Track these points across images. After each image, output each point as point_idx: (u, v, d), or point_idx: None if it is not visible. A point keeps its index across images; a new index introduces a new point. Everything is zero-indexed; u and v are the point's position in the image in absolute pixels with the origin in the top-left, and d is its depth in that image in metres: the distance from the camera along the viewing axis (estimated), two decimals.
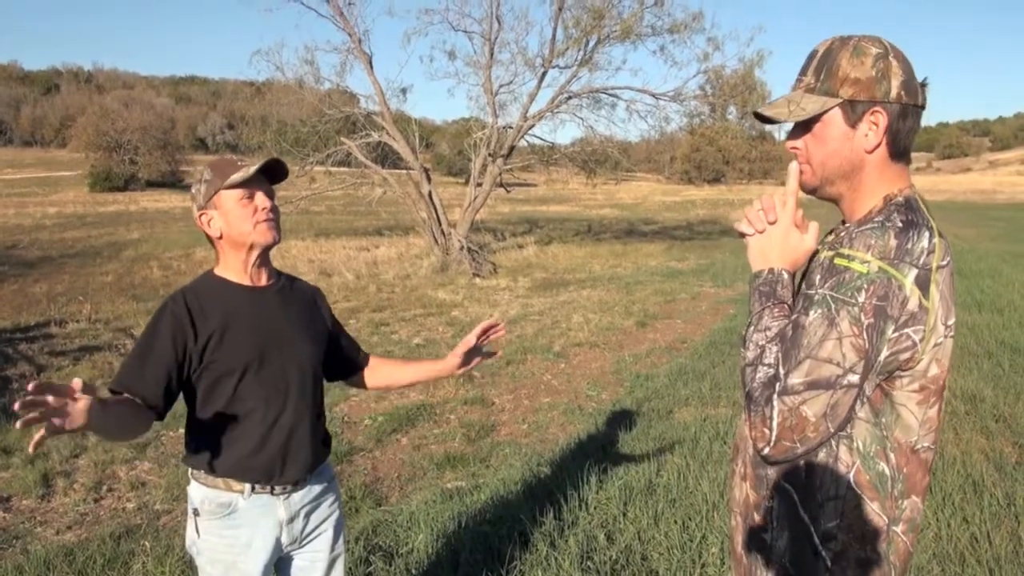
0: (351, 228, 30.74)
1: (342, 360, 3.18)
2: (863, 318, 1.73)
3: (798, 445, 1.77)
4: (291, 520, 2.88)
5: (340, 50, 22.49)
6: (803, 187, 2.04)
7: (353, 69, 25.26)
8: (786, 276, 1.99)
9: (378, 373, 3.31)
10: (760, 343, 1.87)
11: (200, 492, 2.82)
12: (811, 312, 1.77)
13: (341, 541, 3.10)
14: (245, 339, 2.76)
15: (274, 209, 2.81)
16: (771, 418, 1.76)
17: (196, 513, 2.83)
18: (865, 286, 1.74)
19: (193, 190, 2.81)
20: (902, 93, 1.87)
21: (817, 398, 1.75)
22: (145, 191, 60.85)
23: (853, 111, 1.90)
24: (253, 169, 2.71)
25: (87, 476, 6.60)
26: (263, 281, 2.88)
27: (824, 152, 1.95)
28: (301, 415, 2.87)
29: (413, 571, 4.71)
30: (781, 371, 1.77)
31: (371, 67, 22.06)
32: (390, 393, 9.07)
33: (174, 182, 67.11)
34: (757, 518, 2.04)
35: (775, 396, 1.76)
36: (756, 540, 2.06)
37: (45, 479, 6.50)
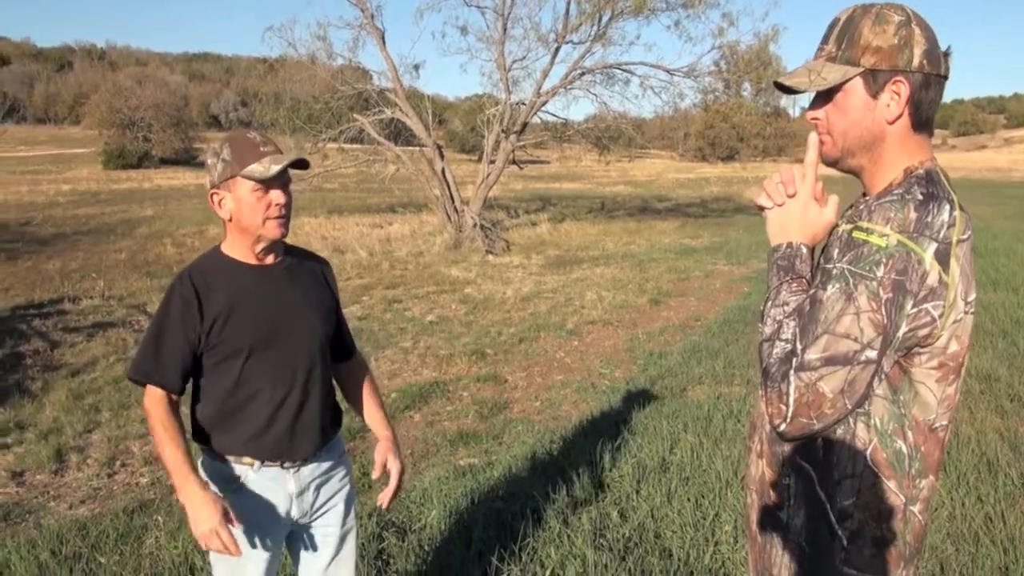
0: (364, 205, 30.78)
1: (337, 342, 3.10)
2: (881, 293, 1.70)
3: (815, 422, 1.75)
4: (301, 493, 2.88)
5: (352, 26, 22.41)
6: (824, 159, 2.01)
7: (366, 45, 25.18)
8: (804, 250, 1.96)
9: (364, 394, 3.20)
10: (777, 318, 1.85)
11: (209, 466, 2.84)
12: (829, 287, 1.74)
13: (352, 515, 3.10)
14: (251, 320, 2.76)
15: (288, 204, 2.76)
16: (788, 394, 1.73)
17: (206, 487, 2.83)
18: (884, 260, 1.71)
19: (208, 162, 2.76)
20: (924, 62, 1.83)
21: (834, 374, 1.72)
22: (159, 168, 60.81)
23: (875, 80, 1.86)
24: (275, 169, 2.65)
25: (100, 451, 6.62)
26: (270, 260, 2.85)
27: (845, 122, 1.91)
28: (309, 393, 2.86)
29: (426, 547, 4.71)
30: (798, 346, 1.74)
31: (384, 43, 21.99)
32: (403, 371, 9.09)
33: (188, 159, 67.00)
34: (773, 496, 2.02)
35: (792, 372, 1.73)
36: (772, 518, 2.04)
37: (59, 454, 6.53)
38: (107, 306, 12.65)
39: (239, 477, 2.80)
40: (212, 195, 2.77)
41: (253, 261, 2.82)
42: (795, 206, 1.98)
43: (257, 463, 2.80)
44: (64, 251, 18.73)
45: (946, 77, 1.89)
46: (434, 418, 7.57)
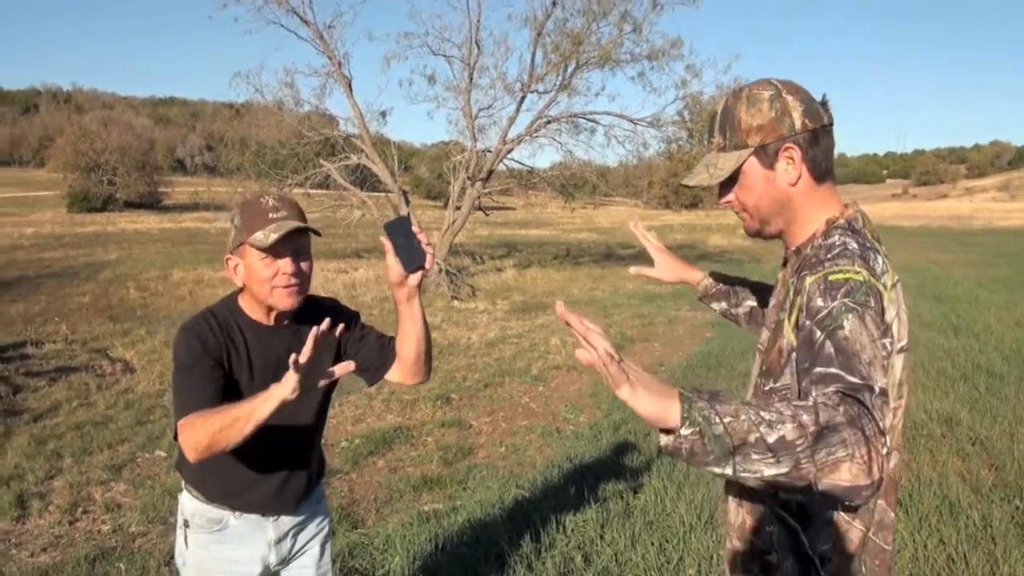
0: (329, 250, 30.72)
1: (366, 369, 2.93)
2: (878, 321, 1.77)
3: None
4: (279, 541, 2.90)
5: (320, 73, 22.44)
6: (747, 232, 2.15)
7: (333, 92, 25.26)
8: (698, 403, 1.57)
9: (401, 355, 2.89)
10: (786, 411, 1.56)
11: (192, 504, 2.84)
12: (844, 321, 1.73)
13: (327, 558, 3.12)
14: (247, 376, 2.71)
15: (297, 274, 2.66)
16: (884, 432, 1.58)
17: (186, 524, 2.85)
18: (869, 292, 1.79)
19: (227, 227, 2.73)
20: (806, 121, 1.96)
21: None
22: (123, 212, 60.39)
23: (766, 154, 1.99)
24: (273, 238, 2.55)
25: (62, 498, 6.55)
26: (283, 321, 2.79)
27: (754, 198, 2.06)
28: (296, 452, 2.87)
29: None
30: (855, 380, 1.64)
31: (351, 90, 22.07)
32: (367, 416, 9.05)
33: (152, 203, 66.67)
34: (758, 543, 2.09)
35: (875, 407, 1.60)
36: (760, 563, 2.10)
37: (20, 501, 6.45)
38: (70, 350, 12.53)
39: (220, 519, 2.82)
40: (227, 261, 2.72)
41: (265, 320, 2.76)
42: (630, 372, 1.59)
43: (238, 512, 2.81)
44: (27, 294, 18.56)
45: (831, 124, 2.01)
46: (398, 464, 7.54)
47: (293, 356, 2.23)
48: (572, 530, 5.53)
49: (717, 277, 2.99)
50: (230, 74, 24.67)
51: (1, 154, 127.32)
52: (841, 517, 1.94)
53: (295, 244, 2.63)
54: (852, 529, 1.95)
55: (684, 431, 1.52)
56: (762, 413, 1.54)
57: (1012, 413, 8.36)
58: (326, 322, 2.32)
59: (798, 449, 1.51)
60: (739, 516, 2.14)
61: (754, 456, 1.52)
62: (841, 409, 1.55)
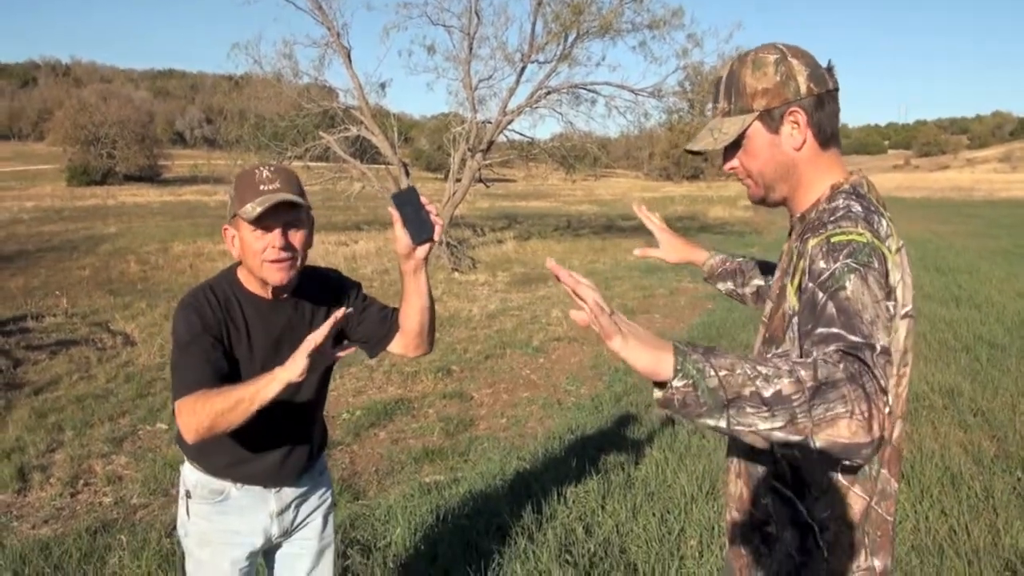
0: (329, 223, 30.67)
1: (367, 341, 2.95)
2: (882, 281, 1.75)
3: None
4: (281, 512, 2.89)
5: (319, 44, 22.31)
6: (751, 199, 2.13)
7: (332, 63, 25.20)
8: (691, 355, 1.53)
9: (404, 327, 2.95)
10: (784, 366, 1.52)
11: (194, 476, 2.83)
12: (846, 282, 1.71)
13: (330, 529, 3.10)
14: (247, 351, 2.68)
15: (287, 248, 2.58)
16: (886, 389, 1.54)
17: (188, 495, 2.85)
18: (872, 253, 1.76)
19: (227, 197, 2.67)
20: (811, 85, 1.94)
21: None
22: (123, 185, 60.30)
23: (772, 119, 1.97)
24: (258, 211, 2.47)
25: (63, 470, 6.55)
26: (282, 295, 2.74)
27: (759, 163, 2.03)
28: (299, 426, 2.85)
29: (390, 565, 4.70)
30: (857, 339, 1.60)
31: (350, 61, 21.96)
32: (368, 388, 9.05)
33: (152, 176, 66.57)
34: (757, 514, 2.09)
35: (877, 366, 1.56)
36: (759, 533, 2.09)
37: (21, 473, 6.45)
38: (70, 323, 12.52)
39: (222, 491, 2.81)
40: (225, 232, 2.65)
41: (263, 294, 2.71)
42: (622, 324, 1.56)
43: (240, 483, 2.80)
44: (27, 268, 18.53)
45: (837, 89, 2.00)
46: (399, 435, 7.55)
47: (311, 339, 2.23)
48: (573, 501, 5.53)
49: (723, 257, 2.98)
50: (229, 46, 24.47)
51: (0, 128, 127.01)
52: (840, 483, 1.93)
53: (286, 217, 2.56)
54: (854, 497, 1.94)
55: (676, 383, 1.49)
56: (759, 367, 1.51)
57: (1014, 385, 8.37)
58: (342, 310, 2.32)
59: (794, 404, 1.47)
60: (738, 487, 2.14)
61: (748, 410, 1.49)
62: (841, 366, 1.52)
